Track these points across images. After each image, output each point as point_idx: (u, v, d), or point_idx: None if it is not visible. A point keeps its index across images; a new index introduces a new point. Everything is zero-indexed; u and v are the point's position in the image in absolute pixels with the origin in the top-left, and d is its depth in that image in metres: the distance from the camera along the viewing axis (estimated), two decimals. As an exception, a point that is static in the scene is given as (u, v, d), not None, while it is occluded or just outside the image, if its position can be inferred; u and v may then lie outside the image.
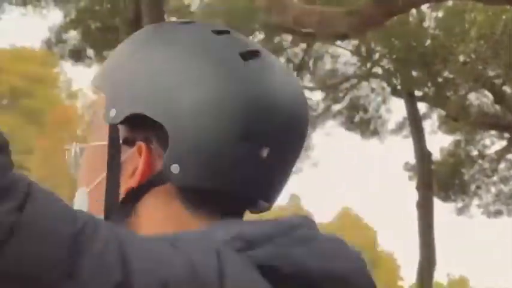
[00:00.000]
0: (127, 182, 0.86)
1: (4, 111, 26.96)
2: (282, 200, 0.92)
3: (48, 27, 12.54)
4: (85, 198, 0.90)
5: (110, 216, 0.86)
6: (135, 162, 0.85)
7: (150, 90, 0.84)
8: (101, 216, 0.86)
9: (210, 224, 0.82)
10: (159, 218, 0.85)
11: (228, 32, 0.87)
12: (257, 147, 0.83)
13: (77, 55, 11.96)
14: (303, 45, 15.12)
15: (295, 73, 12.71)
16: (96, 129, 0.91)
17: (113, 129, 0.87)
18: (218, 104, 0.82)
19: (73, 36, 12.46)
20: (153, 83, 0.84)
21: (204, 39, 0.86)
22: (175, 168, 0.83)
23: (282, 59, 13.56)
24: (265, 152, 0.83)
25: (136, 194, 0.86)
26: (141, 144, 0.85)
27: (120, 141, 0.87)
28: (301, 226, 0.83)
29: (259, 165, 0.84)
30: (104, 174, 0.87)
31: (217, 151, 0.82)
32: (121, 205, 0.87)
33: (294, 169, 0.90)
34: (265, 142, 0.83)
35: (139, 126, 0.85)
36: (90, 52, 12.24)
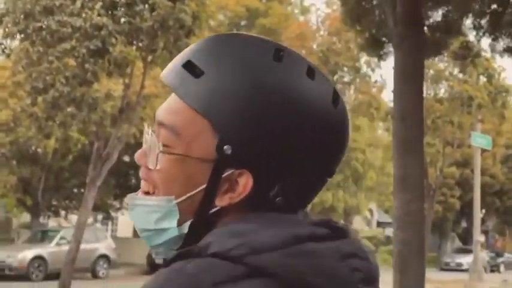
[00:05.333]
0: (221, 199, 0.96)
1: (244, 31, 27.73)
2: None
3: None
4: (174, 208, 0.97)
5: (197, 227, 0.97)
6: (228, 182, 0.95)
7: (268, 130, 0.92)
8: (187, 224, 0.98)
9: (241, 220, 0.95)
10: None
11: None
12: None
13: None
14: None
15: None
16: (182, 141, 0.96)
17: (222, 157, 0.94)
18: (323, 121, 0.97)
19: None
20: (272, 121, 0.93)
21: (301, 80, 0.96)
22: (276, 193, 0.95)
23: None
24: None
25: (225, 212, 0.96)
26: (246, 171, 0.94)
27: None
28: (308, 240, 0.92)
29: None
30: (199, 189, 0.96)
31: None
32: (208, 219, 0.97)
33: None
34: None
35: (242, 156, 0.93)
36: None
